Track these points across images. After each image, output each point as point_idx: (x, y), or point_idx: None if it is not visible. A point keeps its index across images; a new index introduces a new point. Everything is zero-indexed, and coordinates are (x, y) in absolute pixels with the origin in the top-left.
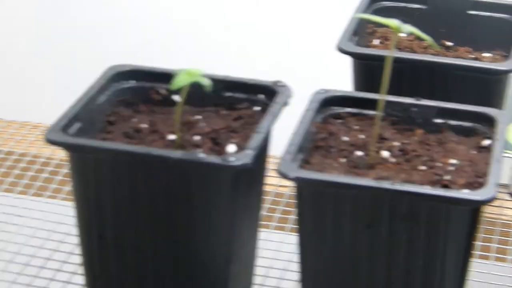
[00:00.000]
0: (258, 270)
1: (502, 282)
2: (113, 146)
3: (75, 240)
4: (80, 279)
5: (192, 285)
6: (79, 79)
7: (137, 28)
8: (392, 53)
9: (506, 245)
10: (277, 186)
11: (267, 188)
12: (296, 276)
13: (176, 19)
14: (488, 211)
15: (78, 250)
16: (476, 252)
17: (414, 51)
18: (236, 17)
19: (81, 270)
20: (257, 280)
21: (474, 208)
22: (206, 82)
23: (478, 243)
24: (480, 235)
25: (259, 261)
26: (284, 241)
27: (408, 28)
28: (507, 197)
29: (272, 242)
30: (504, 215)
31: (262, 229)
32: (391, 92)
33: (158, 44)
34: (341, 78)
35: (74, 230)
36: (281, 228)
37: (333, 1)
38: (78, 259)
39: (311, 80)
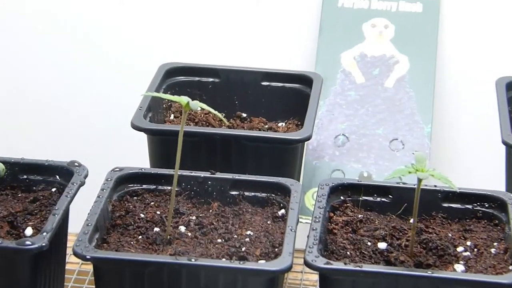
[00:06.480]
0: None
1: None
2: None
3: None
4: None
5: None
6: None
7: None
8: (182, 128)
9: None
10: (79, 264)
11: (69, 266)
12: None
13: None
14: (291, 277)
15: None
16: None
17: (209, 124)
18: None
19: None
20: None
21: (272, 277)
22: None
23: None
24: None
25: None
26: None
27: (198, 104)
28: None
29: None
30: (306, 279)
31: None
32: (188, 165)
33: None
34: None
35: None
36: None
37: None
38: None
39: (105, 157)
